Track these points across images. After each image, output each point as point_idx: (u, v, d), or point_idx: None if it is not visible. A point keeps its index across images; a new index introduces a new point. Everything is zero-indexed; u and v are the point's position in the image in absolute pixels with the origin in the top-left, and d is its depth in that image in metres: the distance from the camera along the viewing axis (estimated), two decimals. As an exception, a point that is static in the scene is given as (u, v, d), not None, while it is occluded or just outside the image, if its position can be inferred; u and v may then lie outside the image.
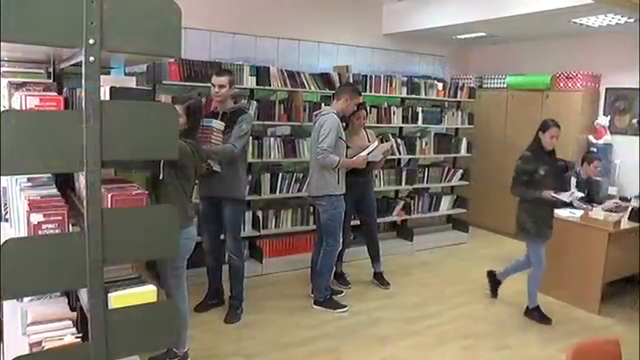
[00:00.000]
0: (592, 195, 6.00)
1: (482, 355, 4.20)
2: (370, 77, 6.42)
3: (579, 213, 5.40)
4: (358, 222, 5.71)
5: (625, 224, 5.28)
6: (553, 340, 4.47)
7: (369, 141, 5.27)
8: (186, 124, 3.48)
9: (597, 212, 5.25)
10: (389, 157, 5.87)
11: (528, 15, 5.76)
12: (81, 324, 2.03)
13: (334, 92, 5.43)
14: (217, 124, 4.20)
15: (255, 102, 5.53)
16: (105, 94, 1.81)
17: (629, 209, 5.53)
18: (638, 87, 6.66)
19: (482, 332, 4.60)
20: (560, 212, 5.51)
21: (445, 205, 7.33)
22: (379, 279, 5.60)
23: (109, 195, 1.86)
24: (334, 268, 5.27)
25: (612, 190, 6.55)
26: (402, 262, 6.21)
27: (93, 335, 1.71)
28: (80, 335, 1.86)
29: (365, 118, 5.35)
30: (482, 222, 7.97)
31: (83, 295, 1.85)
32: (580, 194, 5.01)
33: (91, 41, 1.59)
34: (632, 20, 5.83)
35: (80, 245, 1.66)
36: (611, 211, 5.35)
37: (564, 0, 5.21)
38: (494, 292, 5.42)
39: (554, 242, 5.43)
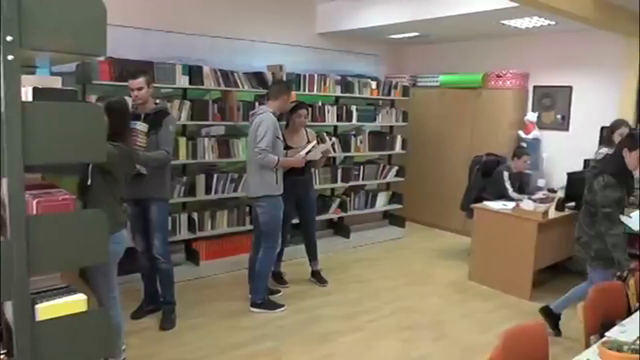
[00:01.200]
0: (522, 187, 6.24)
1: (420, 346, 4.28)
2: (304, 76, 6.41)
3: (510, 205, 5.60)
4: (296, 221, 5.69)
5: (552, 213, 5.53)
6: (489, 327, 4.61)
7: (309, 140, 5.27)
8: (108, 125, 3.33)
9: (527, 204, 5.47)
10: (329, 155, 5.90)
11: (459, 17, 5.91)
12: (7, 339, 1.92)
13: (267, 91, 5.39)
14: (141, 126, 4.06)
15: (188, 102, 5.42)
16: (27, 95, 1.72)
17: (556, 199, 5.80)
18: (561, 85, 7.05)
19: (421, 324, 4.69)
20: (492, 205, 5.71)
21: (381, 202, 7.42)
22: (317, 277, 5.62)
23: (35, 202, 1.76)
24: (274, 267, 5.27)
25: (541, 183, 6.83)
26: (340, 259, 6.26)
27: (18, 351, 1.62)
28: (4, 352, 1.76)
29: (306, 117, 5.33)
30: (418, 217, 8.13)
31: (8, 308, 1.75)
32: None
33: (9, 38, 1.50)
34: (554, 23, 6.11)
35: (4, 256, 1.57)
36: (540, 202, 5.60)
37: (491, 3, 5.36)
38: (555, 330, 4.51)
39: (487, 233, 5.65)
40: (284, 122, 5.28)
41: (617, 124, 5.32)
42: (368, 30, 7.05)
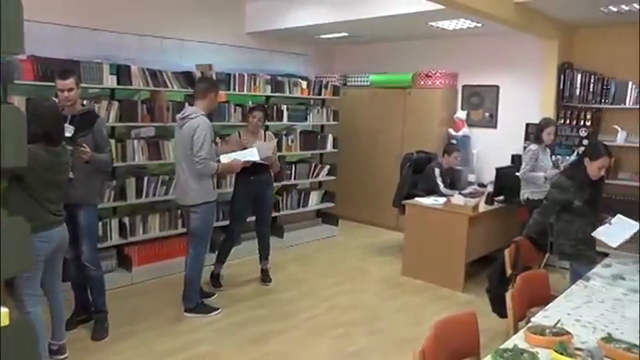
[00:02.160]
0: (453, 183, 6.43)
1: (356, 341, 4.33)
2: (234, 75, 6.34)
3: (441, 200, 5.76)
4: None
5: (482, 207, 5.74)
6: (423, 320, 4.72)
7: (265, 141, 5.31)
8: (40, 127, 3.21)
9: (458, 198, 5.65)
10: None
11: (386, 18, 6.02)
12: None
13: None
14: (67, 129, 3.92)
15: (116, 103, 5.26)
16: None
17: (486, 193, 6.02)
18: (488, 84, 7.35)
19: (356, 320, 4.75)
20: (424, 201, 5.85)
21: (314, 200, 7.46)
22: (264, 274, 5.66)
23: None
24: (215, 269, 5.35)
25: (471, 178, 7.12)
26: (275, 258, 6.21)
27: None
28: None
29: (260, 119, 5.31)
30: (351, 215, 8.23)
31: None
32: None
33: None
34: (480, 25, 6.33)
35: None
36: (470, 196, 5.80)
37: (418, 5, 5.46)
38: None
39: (419, 228, 5.78)
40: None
41: (546, 123, 5.53)
42: (297, 30, 7.06)
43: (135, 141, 5.47)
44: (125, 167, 5.52)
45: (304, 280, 5.76)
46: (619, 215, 4.05)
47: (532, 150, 5.40)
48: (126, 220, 5.46)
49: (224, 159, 4.80)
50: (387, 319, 4.80)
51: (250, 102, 6.47)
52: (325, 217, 7.80)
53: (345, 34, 7.44)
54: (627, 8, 5.27)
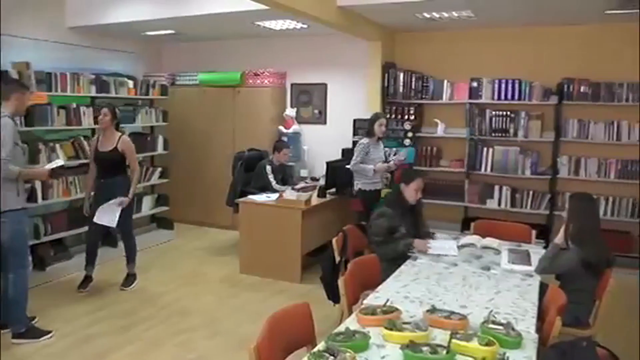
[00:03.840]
0: (286, 179, 6.54)
1: (196, 347, 4.24)
2: (55, 74, 5.82)
3: (274, 196, 5.83)
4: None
5: (315, 200, 5.92)
6: (263, 316, 4.60)
7: (116, 147, 5.27)
8: None
9: (290, 193, 5.78)
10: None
11: (212, 16, 5.96)
12: None
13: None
14: None
15: None
16: None
17: (318, 187, 6.21)
18: (317, 82, 7.64)
19: (196, 324, 4.65)
20: (256, 198, 5.89)
21: (147, 205, 7.20)
22: (126, 279, 5.51)
23: None
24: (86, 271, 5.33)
25: (303, 173, 7.34)
26: (109, 270, 5.87)
27: None
28: None
29: (105, 116, 5.18)
30: (186, 217, 8.06)
31: None
32: None
33: None
34: (306, 26, 6.51)
35: None
36: (303, 191, 5.96)
37: (243, 5, 5.44)
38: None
39: (254, 225, 5.82)
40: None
41: (376, 116, 5.80)
42: (122, 26, 6.73)
43: None
44: None
45: (142, 289, 5.51)
46: (437, 235, 4.42)
47: (363, 144, 5.68)
48: None
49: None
50: (227, 320, 4.75)
51: (74, 104, 6.02)
52: (160, 221, 7.55)
53: (172, 31, 7.24)
54: (438, 16, 5.85)
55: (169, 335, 4.42)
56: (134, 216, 6.86)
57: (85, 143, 6.00)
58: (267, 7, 4.97)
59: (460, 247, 4.15)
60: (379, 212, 4.21)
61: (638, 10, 5.06)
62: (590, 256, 3.46)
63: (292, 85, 7.88)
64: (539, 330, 2.72)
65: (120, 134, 5.36)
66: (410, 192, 4.24)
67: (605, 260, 3.61)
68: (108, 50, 7.52)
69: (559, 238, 3.63)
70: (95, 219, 5.23)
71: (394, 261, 3.82)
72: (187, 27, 6.94)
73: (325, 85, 7.66)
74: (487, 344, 2.24)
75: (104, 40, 7.39)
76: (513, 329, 2.45)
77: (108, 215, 5.23)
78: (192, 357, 4.07)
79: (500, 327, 2.46)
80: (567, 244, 3.57)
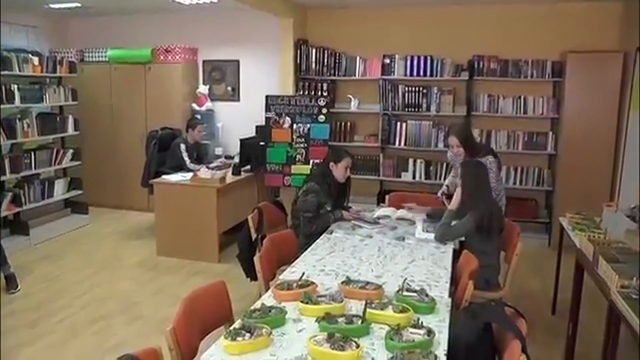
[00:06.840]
0: (201, 157, 6.45)
1: (116, 333, 4.16)
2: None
3: (189, 175, 5.76)
4: None
5: (230, 178, 5.88)
6: (181, 297, 4.62)
7: None
8: None
9: (204, 172, 5.73)
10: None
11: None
12: None
13: None
14: None
15: None
16: None
17: (232, 165, 6.16)
18: (229, 59, 7.54)
19: (114, 311, 4.55)
20: (171, 178, 5.80)
21: (60, 190, 6.90)
22: (9, 281, 5.01)
23: None
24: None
25: (218, 151, 7.25)
26: (21, 260, 5.59)
27: None
28: None
29: None
30: (100, 201, 7.81)
31: None
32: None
33: None
34: (216, 1, 6.37)
35: None
36: (217, 169, 5.90)
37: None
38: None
39: (170, 206, 5.72)
40: None
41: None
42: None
43: None
44: None
45: (55, 278, 5.30)
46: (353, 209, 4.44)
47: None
48: None
49: None
50: (146, 304, 4.69)
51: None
52: (74, 206, 7.25)
53: (78, 4, 6.89)
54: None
55: (86, 324, 4.30)
56: (46, 201, 6.61)
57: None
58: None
59: (376, 219, 4.27)
60: (307, 189, 4.17)
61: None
62: (482, 218, 3.60)
63: (204, 61, 7.75)
64: (452, 295, 2.86)
65: None
66: (340, 170, 4.25)
67: (498, 222, 3.75)
68: (7, 24, 7.04)
69: (452, 204, 3.80)
70: None
71: (312, 236, 3.88)
72: (93, 0, 6.63)
73: (237, 61, 7.58)
74: (401, 311, 2.33)
75: (4, 13, 6.89)
76: (427, 295, 2.55)
77: None
78: (111, 344, 3.97)
79: (414, 294, 2.55)
80: (462, 210, 3.71)
